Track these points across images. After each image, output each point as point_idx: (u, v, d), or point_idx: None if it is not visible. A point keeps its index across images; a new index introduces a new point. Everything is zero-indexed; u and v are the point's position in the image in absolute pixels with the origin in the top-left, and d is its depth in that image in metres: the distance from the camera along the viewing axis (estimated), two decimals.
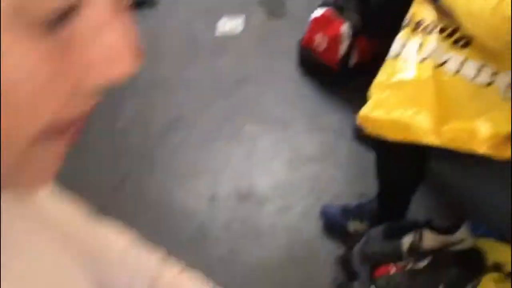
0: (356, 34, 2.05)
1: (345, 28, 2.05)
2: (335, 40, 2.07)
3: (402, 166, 1.53)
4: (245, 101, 2.20)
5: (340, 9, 2.08)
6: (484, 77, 1.26)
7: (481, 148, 1.23)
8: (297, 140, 2.04)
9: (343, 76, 2.13)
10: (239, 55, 2.41)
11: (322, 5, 2.14)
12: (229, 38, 2.50)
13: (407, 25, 1.38)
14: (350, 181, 1.91)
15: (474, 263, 1.37)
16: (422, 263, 1.37)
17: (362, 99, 1.39)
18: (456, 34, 1.28)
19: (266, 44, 2.43)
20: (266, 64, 2.34)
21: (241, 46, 2.46)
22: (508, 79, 1.26)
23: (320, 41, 2.13)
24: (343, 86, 2.14)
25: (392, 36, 1.41)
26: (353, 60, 2.10)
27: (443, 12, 1.30)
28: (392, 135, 1.32)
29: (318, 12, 2.13)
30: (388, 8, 1.89)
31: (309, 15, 2.17)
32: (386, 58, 1.41)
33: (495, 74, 1.26)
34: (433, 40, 1.30)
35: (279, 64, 2.32)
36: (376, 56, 2.12)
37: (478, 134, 1.22)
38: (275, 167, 1.96)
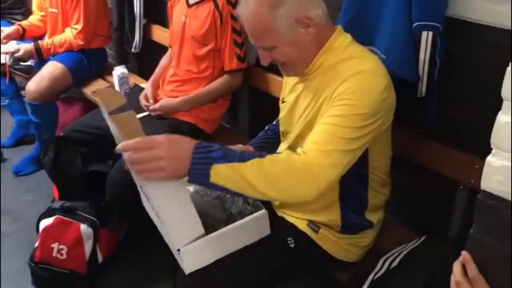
0: (95, 230, 2.05)
1: (83, 229, 2.03)
2: (77, 244, 2.02)
3: None
4: None
5: (70, 213, 2.06)
6: None
7: None
8: None
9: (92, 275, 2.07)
10: None
11: (48, 215, 2.07)
12: None
13: None
14: None
15: None
16: None
17: None
18: None
19: None
20: None
21: None
22: None
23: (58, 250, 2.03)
24: None
25: None
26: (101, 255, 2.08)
27: None
28: None
29: (47, 221, 2.05)
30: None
31: None
32: None
33: None
34: None
35: None
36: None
37: None
38: None
